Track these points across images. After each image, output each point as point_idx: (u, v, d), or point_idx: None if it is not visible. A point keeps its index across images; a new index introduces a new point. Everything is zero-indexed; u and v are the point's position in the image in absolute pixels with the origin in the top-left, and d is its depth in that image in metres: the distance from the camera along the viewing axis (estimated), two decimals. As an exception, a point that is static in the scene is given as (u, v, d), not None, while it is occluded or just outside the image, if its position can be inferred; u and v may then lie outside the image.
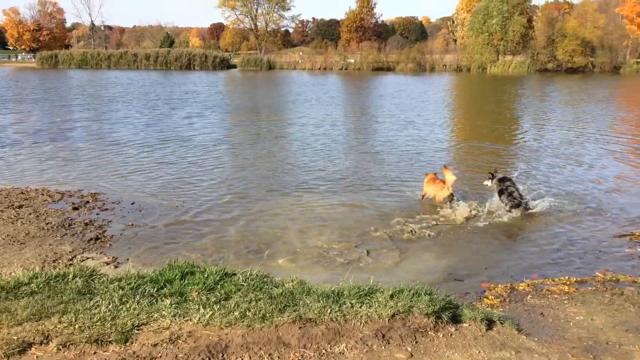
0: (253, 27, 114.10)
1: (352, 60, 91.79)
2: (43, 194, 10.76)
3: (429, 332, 4.64)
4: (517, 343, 4.76)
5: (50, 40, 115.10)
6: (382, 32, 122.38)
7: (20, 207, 9.78)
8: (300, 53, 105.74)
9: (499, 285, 6.71)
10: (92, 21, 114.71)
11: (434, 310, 4.77)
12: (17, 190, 11.13)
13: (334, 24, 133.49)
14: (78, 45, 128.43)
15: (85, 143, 17.63)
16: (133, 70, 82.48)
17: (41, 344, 4.31)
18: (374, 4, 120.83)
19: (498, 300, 6.19)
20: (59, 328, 4.47)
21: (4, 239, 8.02)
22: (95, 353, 4.22)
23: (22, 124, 22.33)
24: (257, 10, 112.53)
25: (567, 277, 7.01)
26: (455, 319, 4.88)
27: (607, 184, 12.62)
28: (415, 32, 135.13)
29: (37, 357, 4.17)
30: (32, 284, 5.33)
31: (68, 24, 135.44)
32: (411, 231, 8.88)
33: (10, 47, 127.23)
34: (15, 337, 4.34)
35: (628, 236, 8.91)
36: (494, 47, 78.37)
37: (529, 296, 6.27)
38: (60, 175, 13.04)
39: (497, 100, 37.06)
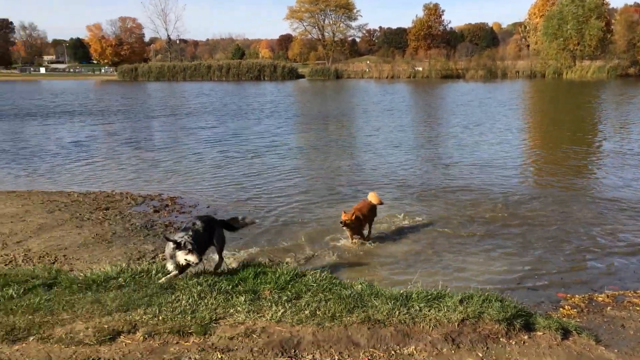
0: (320, 38, 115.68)
1: (420, 68, 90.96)
2: (127, 198, 11.50)
3: (501, 339, 4.60)
4: (595, 354, 4.63)
5: (130, 54, 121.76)
6: (450, 39, 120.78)
7: (107, 209, 10.51)
8: (368, 62, 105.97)
9: (576, 296, 6.50)
10: (168, 35, 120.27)
11: (506, 317, 4.73)
12: (104, 193, 11.97)
13: (401, 32, 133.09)
14: (156, 58, 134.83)
15: (166, 151, 18.62)
16: (207, 82, 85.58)
17: (129, 332, 4.65)
18: (442, 11, 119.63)
19: (575, 310, 6.00)
20: (144, 319, 4.80)
21: (93, 237, 8.64)
22: (177, 343, 4.51)
23: (108, 134, 23.85)
24: (324, 21, 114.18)
25: (651, 289, 6.70)
26: (529, 327, 4.81)
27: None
28: (485, 38, 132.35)
29: (125, 344, 4.50)
30: (120, 278, 5.74)
31: (146, 39, 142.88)
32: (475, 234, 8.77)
33: (94, 61, 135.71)
34: (106, 326, 4.71)
35: None
36: (570, 53, 75.35)
37: (608, 307, 6.04)
38: (142, 180, 13.86)
39: (579, 106, 35.48)
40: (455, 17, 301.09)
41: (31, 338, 4.63)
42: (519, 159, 16.65)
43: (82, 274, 6.02)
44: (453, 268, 7.55)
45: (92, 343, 4.52)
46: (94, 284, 5.60)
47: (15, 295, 5.38)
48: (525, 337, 4.66)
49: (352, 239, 8.54)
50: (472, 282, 6.82)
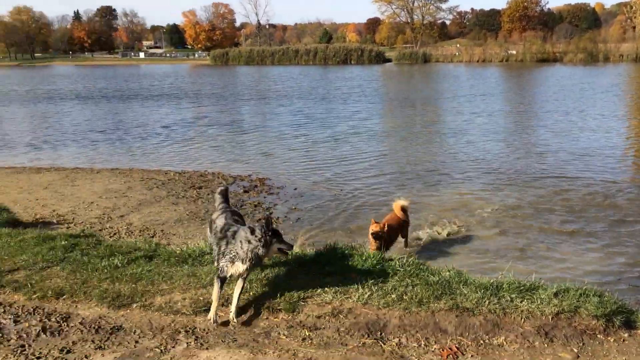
0: (409, 21, 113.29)
1: (514, 52, 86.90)
2: (218, 177, 12.02)
3: (598, 335, 4.37)
4: (703, 358, 4.29)
5: (222, 39, 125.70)
6: (548, 21, 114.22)
7: (200, 188, 11.03)
8: (458, 45, 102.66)
9: (683, 296, 6.06)
10: (258, 20, 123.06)
11: (604, 312, 4.48)
12: (197, 173, 12.59)
13: (494, 14, 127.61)
14: (245, 43, 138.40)
15: (255, 133, 19.22)
16: (294, 66, 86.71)
17: (222, 305, 4.87)
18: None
19: (682, 311, 5.58)
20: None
21: (188, 214, 9.11)
22: (267, 318, 4.67)
23: (202, 116, 24.94)
24: (413, 4, 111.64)
25: None
26: (629, 325, 4.53)
27: None
28: (586, 19, 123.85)
29: (219, 317, 4.72)
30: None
31: (237, 24, 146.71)
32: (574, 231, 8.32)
33: (189, 46, 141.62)
34: (201, 298, 4.97)
35: None
36: (684, 34, 68.84)
37: None
38: (232, 161, 14.41)
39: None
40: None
41: (134, 305, 4.97)
42: (624, 148, 15.58)
43: (178, 248, 6.35)
44: (547, 260, 7.25)
45: (188, 313, 4.79)
46: (190, 258, 5.91)
47: (120, 265, 5.79)
48: (625, 335, 4.39)
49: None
50: (567, 275, 6.51)
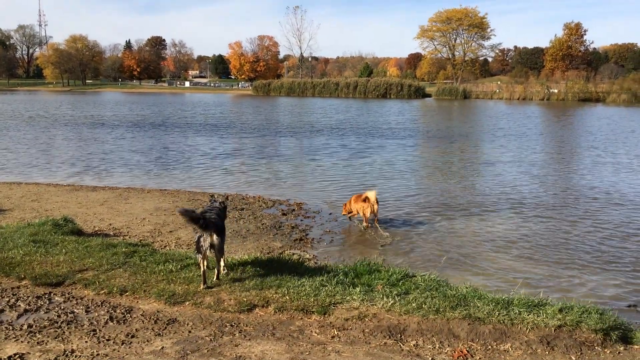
0: (450, 57, 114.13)
1: (555, 90, 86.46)
2: (259, 201, 12.82)
3: (596, 347, 4.87)
4: (696, 375, 4.73)
5: (265, 71, 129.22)
6: (592, 61, 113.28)
7: (242, 209, 11.85)
8: (499, 82, 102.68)
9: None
10: (301, 53, 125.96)
11: (603, 327, 4.99)
12: (239, 196, 13.43)
13: (537, 52, 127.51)
14: (288, 75, 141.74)
15: (294, 162, 20.09)
16: (334, 98, 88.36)
17: (263, 306, 5.59)
18: (584, 31, 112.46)
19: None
20: (275, 297, 5.72)
21: (231, 233, 9.90)
22: (301, 319, 5.36)
23: (246, 146, 26.08)
24: (455, 40, 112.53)
25: None
26: (626, 340, 5.01)
27: None
28: (633, 59, 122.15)
29: (260, 315, 5.44)
30: (256, 264, 6.75)
31: (280, 56, 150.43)
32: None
33: (232, 77, 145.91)
34: (245, 299, 5.70)
35: None
36: None
37: None
38: (271, 186, 15.22)
39: None
40: (600, 37, 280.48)
41: (187, 302, 5.75)
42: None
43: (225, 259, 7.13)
44: (560, 285, 7.70)
45: (233, 311, 5.52)
46: (234, 267, 6.68)
47: (174, 270, 6.61)
48: (621, 348, 4.87)
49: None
50: (576, 296, 6.96)
